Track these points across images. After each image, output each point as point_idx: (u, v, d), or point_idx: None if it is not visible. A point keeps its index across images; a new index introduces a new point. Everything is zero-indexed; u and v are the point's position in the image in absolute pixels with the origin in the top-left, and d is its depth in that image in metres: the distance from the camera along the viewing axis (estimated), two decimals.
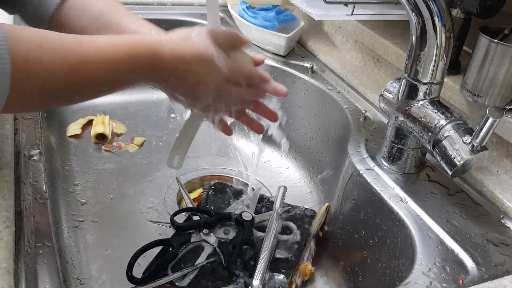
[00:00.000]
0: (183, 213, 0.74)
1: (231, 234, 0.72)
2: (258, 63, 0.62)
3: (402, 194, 0.65)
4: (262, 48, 1.03)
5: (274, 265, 0.69)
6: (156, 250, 0.67)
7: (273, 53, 1.02)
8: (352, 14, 0.82)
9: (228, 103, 0.59)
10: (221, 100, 0.58)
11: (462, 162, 0.57)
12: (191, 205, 0.80)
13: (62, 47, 0.45)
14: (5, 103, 0.41)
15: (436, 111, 0.62)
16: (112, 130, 0.97)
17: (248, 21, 1.03)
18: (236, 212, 0.74)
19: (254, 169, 0.76)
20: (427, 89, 0.63)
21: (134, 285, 0.61)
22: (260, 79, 0.60)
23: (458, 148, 0.58)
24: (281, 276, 0.67)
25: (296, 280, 0.71)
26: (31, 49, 0.43)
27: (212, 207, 0.78)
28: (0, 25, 0.40)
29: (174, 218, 0.70)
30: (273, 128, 0.70)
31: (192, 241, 0.70)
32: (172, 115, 1.07)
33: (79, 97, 0.52)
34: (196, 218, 0.74)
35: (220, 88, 0.56)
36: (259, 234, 0.73)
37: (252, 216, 0.73)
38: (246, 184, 0.90)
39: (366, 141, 0.76)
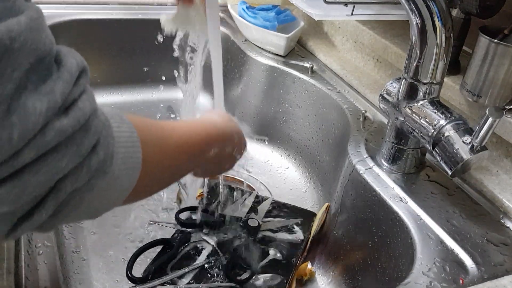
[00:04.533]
0: (183, 213, 0.74)
1: (232, 235, 0.72)
2: None
3: (402, 194, 0.65)
4: (262, 48, 1.03)
5: (274, 266, 0.69)
6: (156, 250, 0.67)
7: (273, 53, 1.02)
8: (352, 14, 0.82)
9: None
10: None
11: (462, 162, 0.57)
12: (191, 205, 0.80)
13: (163, 133, 0.45)
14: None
15: (436, 111, 0.62)
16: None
17: (248, 21, 1.03)
18: (243, 217, 0.74)
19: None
20: (427, 89, 0.63)
21: (134, 285, 0.61)
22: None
23: (458, 148, 0.58)
24: (279, 279, 0.67)
25: (295, 280, 0.71)
26: (154, 137, 0.42)
27: (212, 208, 0.78)
28: (125, 117, 0.38)
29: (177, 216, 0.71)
30: None
31: (192, 240, 0.70)
32: (172, 115, 1.07)
33: (165, 184, 0.50)
34: (196, 218, 0.74)
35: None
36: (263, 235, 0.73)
37: (258, 223, 0.73)
38: (247, 185, 0.90)
39: (366, 141, 0.76)
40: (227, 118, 0.59)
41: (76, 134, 0.30)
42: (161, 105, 1.10)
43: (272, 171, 0.95)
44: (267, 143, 0.72)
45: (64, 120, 0.29)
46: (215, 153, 0.54)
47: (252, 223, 0.73)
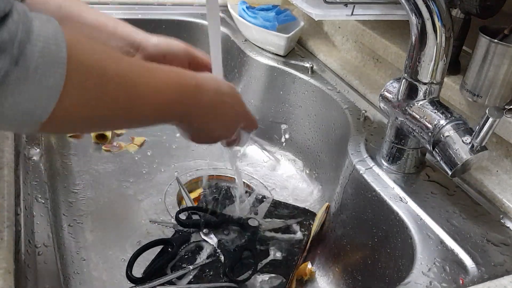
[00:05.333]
0: (183, 213, 0.74)
1: (232, 235, 0.72)
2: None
3: (402, 194, 0.65)
4: (262, 48, 1.03)
5: (274, 266, 0.69)
6: (156, 250, 0.67)
7: (273, 53, 1.02)
8: (352, 14, 0.82)
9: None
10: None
11: (462, 162, 0.57)
12: (191, 205, 0.80)
13: (115, 54, 0.44)
14: (58, 103, 0.37)
15: (436, 111, 0.62)
16: (112, 130, 0.97)
17: (248, 21, 1.03)
18: (243, 217, 0.74)
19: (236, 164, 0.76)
20: (427, 89, 0.63)
21: (134, 285, 0.61)
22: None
23: (458, 148, 0.58)
24: (281, 281, 0.67)
25: (295, 280, 0.71)
26: (87, 48, 0.40)
27: (212, 208, 0.78)
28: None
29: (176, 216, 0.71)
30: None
31: (192, 240, 0.70)
32: None
33: (120, 119, 0.46)
34: (195, 217, 0.74)
35: (241, 117, 0.59)
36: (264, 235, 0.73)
37: (258, 223, 0.73)
38: (247, 185, 0.90)
39: (366, 141, 0.76)
40: (227, 85, 0.57)
41: None
42: None
43: (272, 171, 0.95)
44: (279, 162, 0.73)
45: None
46: (203, 113, 0.51)
47: (252, 223, 0.73)
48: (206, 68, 0.64)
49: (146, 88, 0.45)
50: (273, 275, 0.67)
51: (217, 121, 0.55)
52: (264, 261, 0.69)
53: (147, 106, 0.46)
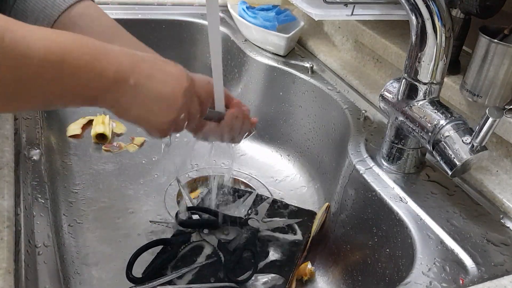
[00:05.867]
0: (183, 212, 0.74)
1: (232, 235, 0.72)
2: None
3: (402, 194, 0.65)
4: (262, 48, 1.03)
5: (274, 266, 0.69)
6: (156, 250, 0.67)
7: (273, 53, 1.02)
8: (352, 14, 0.82)
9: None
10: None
11: (462, 162, 0.57)
12: (191, 205, 0.80)
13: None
14: None
15: (436, 111, 0.62)
16: (112, 130, 0.97)
17: (248, 21, 1.03)
18: (243, 217, 0.74)
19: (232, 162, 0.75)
20: (427, 89, 0.63)
21: (134, 285, 0.61)
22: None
23: (458, 148, 0.58)
24: (281, 281, 0.67)
25: (295, 280, 0.71)
26: None
27: (212, 208, 0.78)
28: None
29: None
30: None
31: (192, 240, 0.70)
32: None
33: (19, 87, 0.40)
34: (195, 217, 0.74)
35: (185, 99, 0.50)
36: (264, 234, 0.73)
37: (259, 223, 0.73)
38: (247, 185, 0.90)
39: (366, 141, 0.76)
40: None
41: None
42: None
43: (272, 171, 0.95)
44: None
45: None
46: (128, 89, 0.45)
47: (252, 223, 0.73)
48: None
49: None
50: (273, 275, 0.67)
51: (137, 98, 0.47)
52: (264, 261, 0.69)
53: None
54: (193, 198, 0.86)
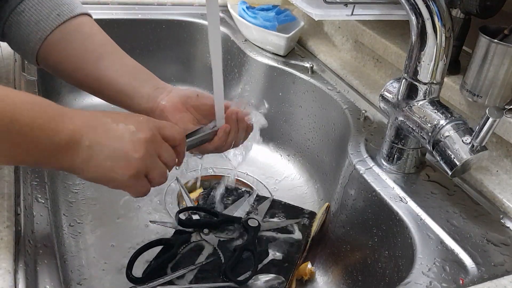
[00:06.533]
0: (183, 212, 0.74)
1: (232, 235, 0.72)
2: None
3: (402, 194, 0.65)
4: (262, 48, 1.03)
5: (274, 266, 0.69)
6: (156, 250, 0.67)
7: (273, 53, 1.02)
8: (352, 14, 0.82)
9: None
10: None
11: (462, 162, 0.57)
12: (191, 205, 0.80)
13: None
14: None
15: (436, 111, 0.62)
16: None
17: (248, 21, 1.03)
18: (243, 217, 0.74)
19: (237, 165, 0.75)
20: (427, 89, 0.63)
21: (134, 285, 0.61)
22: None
23: (458, 148, 0.58)
24: (279, 279, 0.67)
25: (295, 280, 0.71)
26: None
27: (212, 208, 0.78)
28: None
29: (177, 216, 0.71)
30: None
31: (192, 240, 0.70)
32: None
33: None
34: (195, 217, 0.74)
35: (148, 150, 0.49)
36: (263, 234, 0.73)
37: (258, 223, 0.73)
38: (247, 185, 0.90)
39: (366, 141, 0.76)
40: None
41: None
42: None
43: (272, 171, 0.95)
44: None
45: None
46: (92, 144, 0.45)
47: (252, 223, 0.73)
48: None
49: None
50: (273, 275, 0.67)
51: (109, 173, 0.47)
52: (264, 261, 0.69)
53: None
54: (194, 198, 0.86)
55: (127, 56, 0.65)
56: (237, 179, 0.89)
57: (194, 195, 0.87)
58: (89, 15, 0.65)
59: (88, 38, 0.63)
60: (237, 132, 0.63)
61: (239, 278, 0.65)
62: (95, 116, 0.47)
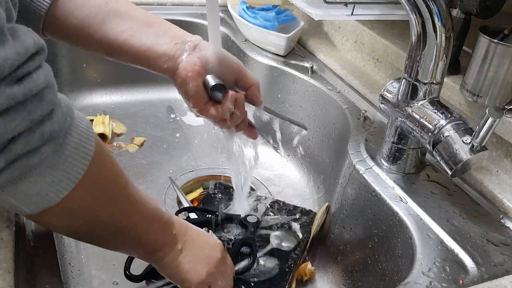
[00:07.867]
0: (182, 213, 0.74)
1: (232, 233, 0.72)
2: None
3: (402, 194, 0.65)
4: (262, 48, 1.03)
5: (274, 266, 0.69)
6: None
7: (273, 53, 1.02)
8: (352, 14, 0.82)
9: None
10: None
11: (462, 162, 0.57)
12: (187, 205, 0.80)
13: (123, 174, 0.46)
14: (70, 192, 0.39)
15: (436, 111, 0.62)
16: (112, 130, 0.97)
17: (248, 21, 1.03)
18: (242, 214, 0.74)
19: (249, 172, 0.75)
20: (427, 89, 0.63)
21: (133, 283, 0.61)
22: None
23: (458, 148, 0.58)
24: (279, 278, 0.67)
25: (295, 280, 0.71)
26: (106, 152, 0.44)
27: (212, 208, 0.78)
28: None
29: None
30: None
31: None
32: (172, 115, 1.07)
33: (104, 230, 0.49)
34: (194, 217, 0.74)
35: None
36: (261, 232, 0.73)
37: (258, 219, 0.73)
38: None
39: (366, 141, 0.76)
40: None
41: (28, 101, 0.33)
42: (161, 105, 1.10)
43: (272, 171, 0.95)
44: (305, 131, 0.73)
45: (15, 87, 0.32)
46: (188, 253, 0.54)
47: (251, 219, 0.73)
48: (251, 90, 0.63)
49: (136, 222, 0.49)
50: (273, 275, 0.67)
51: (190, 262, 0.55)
52: (264, 261, 0.69)
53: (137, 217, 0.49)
54: (194, 198, 0.86)
55: (135, 8, 0.60)
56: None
57: (194, 195, 0.87)
58: None
59: (87, 2, 0.58)
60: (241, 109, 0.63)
61: (238, 278, 0.65)
62: (185, 225, 0.56)
